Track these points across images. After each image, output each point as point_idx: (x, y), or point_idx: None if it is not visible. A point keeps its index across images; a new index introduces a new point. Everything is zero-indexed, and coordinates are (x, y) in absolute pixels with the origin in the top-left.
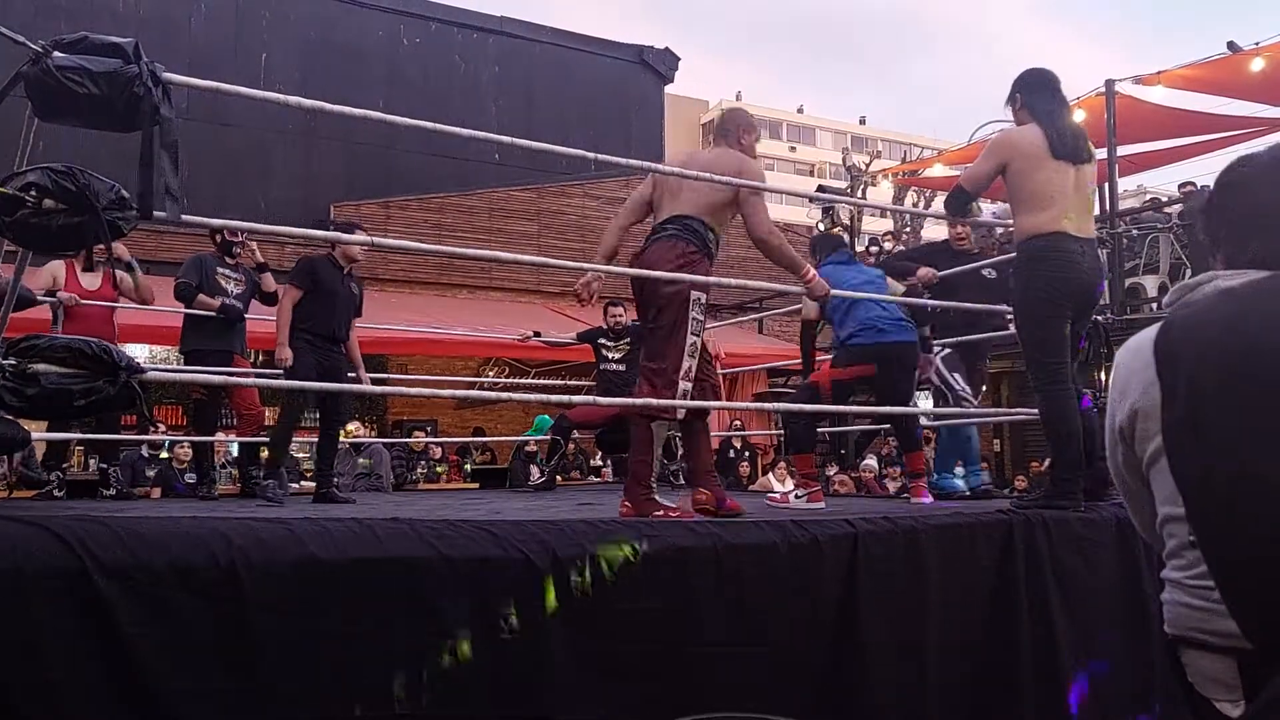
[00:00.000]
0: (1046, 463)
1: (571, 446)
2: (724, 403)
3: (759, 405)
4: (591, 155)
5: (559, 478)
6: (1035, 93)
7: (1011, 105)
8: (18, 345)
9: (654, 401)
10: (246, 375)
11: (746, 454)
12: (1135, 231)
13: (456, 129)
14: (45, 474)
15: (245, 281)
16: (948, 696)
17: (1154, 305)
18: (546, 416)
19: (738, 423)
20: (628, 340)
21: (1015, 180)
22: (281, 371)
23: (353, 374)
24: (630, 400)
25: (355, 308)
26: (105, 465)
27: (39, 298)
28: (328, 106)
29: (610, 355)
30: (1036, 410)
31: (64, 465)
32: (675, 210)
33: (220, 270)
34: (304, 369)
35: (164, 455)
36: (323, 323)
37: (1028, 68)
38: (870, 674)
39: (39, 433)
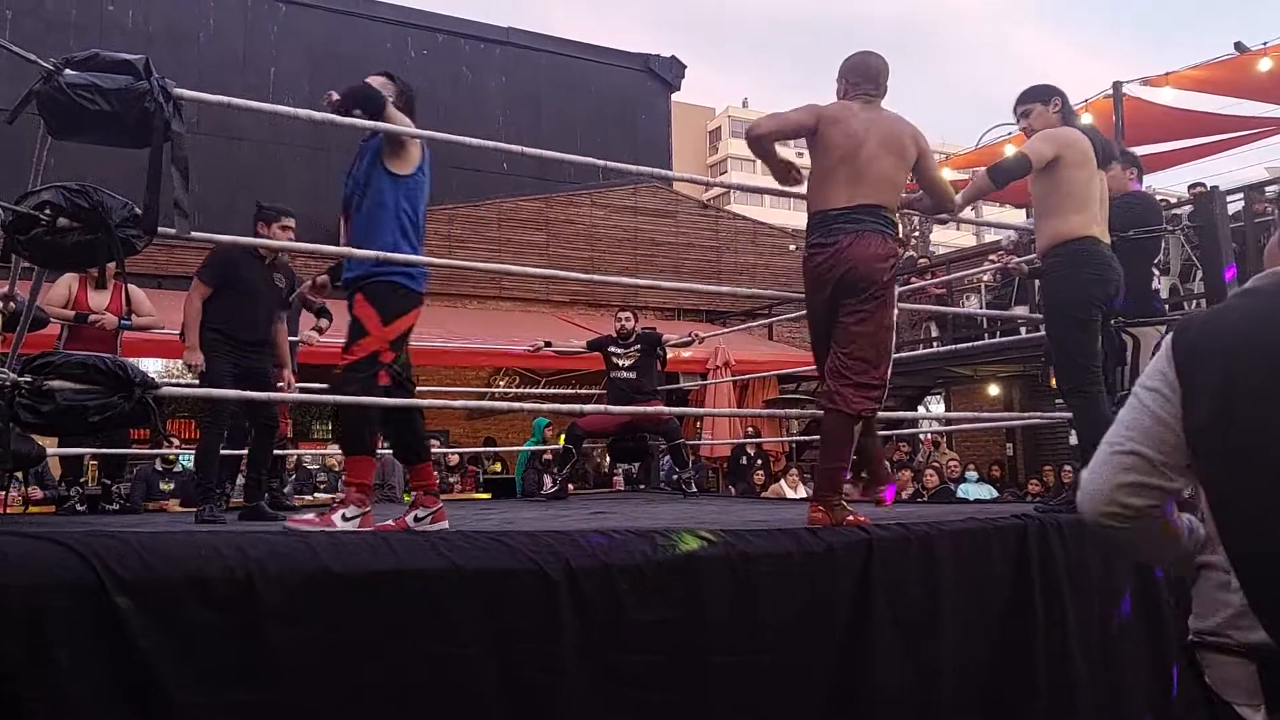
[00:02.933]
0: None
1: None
2: (734, 410)
3: (770, 412)
4: (600, 163)
5: (570, 486)
6: (1067, 102)
7: (1046, 104)
8: (33, 362)
9: (665, 409)
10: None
11: (759, 461)
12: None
13: (464, 139)
14: (65, 489)
15: (286, 284)
16: (961, 701)
17: (1166, 306)
18: (544, 419)
19: (750, 429)
20: (637, 346)
21: (1063, 174)
22: (284, 384)
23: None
24: (640, 409)
25: (281, 301)
26: (108, 481)
27: (61, 312)
28: (336, 119)
29: (620, 362)
30: (1041, 415)
31: (82, 480)
32: (867, 198)
33: None
34: (215, 374)
35: (179, 469)
36: (240, 323)
37: (1053, 82)
38: (883, 680)
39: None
